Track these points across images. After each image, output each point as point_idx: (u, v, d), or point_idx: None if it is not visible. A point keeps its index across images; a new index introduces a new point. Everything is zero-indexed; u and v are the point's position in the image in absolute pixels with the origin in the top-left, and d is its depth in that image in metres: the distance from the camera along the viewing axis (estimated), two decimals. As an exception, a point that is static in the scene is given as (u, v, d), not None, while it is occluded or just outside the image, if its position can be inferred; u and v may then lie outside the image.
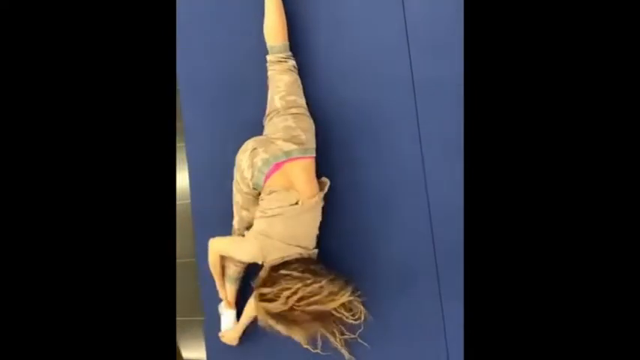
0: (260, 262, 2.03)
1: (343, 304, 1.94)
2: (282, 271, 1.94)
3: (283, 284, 1.91)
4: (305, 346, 2.07)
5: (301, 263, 1.98)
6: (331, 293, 1.92)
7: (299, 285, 1.90)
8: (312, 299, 1.90)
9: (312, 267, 1.97)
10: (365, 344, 2.08)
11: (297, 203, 2.00)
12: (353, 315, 1.97)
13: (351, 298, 1.93)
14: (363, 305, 1.99)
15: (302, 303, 1.90)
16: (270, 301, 1.92)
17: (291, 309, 1.91)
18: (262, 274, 1.99)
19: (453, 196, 1.99)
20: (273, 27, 2.14)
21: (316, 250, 2.09)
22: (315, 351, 2.08)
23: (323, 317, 1.96)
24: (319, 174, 2.13)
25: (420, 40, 2.06)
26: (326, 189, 2.09)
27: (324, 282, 1.91)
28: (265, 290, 1.94)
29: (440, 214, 2.04)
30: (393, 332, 2.11)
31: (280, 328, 1.97)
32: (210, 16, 2.39)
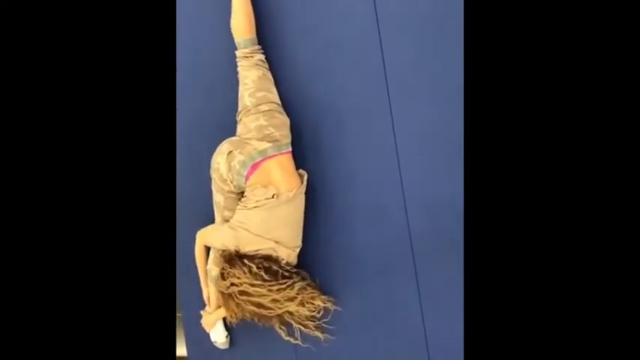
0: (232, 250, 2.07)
1: (301, 301, 2.03)
2: (245, 260, 2.01)
3: (236, 272, 1.99)
4: (285, 338, 2.12)
5: (267, 261, 2.03)
6: (274, 301, 2.00)
7: (246, 281, 1.98)
8: (252, 299, 1.99)
9: (275, 268, 2.03)
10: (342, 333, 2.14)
11: (273, 196, 2.04)
12: (311, 311, 2.06)
13: (297, 308, 2.02)
14: (330, 300, 2.09)
15: (242, 297, 2.00)
16: (222, 276, 2.03)
17: (230, 296, 2.02)
18: (227, 252, 2.06)
19: (428, 187, 2.02)
20: (238, 22, 2.13)
21: (297, 250, 2.11)
22: (295, 342, 2.12)
23: (260, 316, 2.05)
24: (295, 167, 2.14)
25: (392, 29, 2.05)
26: (304, 181, 2.11)
27: (274, 288, 1.99)
28: (223, 265, 2.04)
29: (415, 205, 2.06)
30: (372, 321, 2.14)
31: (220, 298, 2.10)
32: (202, 12, 2.35)
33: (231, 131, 2.15)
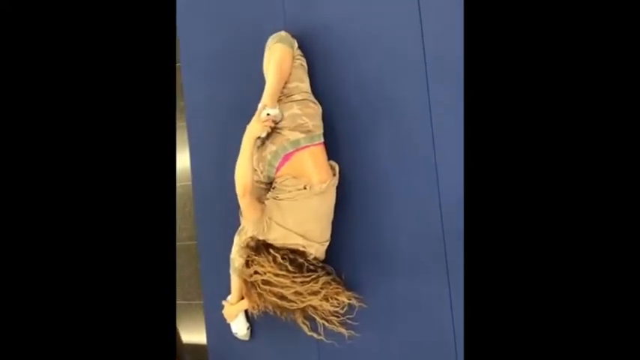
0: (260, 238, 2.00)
1: (324, 296, 1.95)
2: (271, 250, 1.94)
3: (260, 260, 1.93)
4: (309, 334, 2.04)
5: (292, 253, 1.95)
6: (297, 293, 1.92)
7: (270, 270, 1.91)
8: (275, 289, 1.92)
9: (301, 260, 1.95)
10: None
11: (305, 188, 1.96)
12: (335, 306, 1.98)
13: (320, 303, 1.94)
14: (354, 297, 2.00)
15: (265, 287, 1.92)
16: (247, 264, 1.97)
17: (253, 285, 1.95)
18: (252, 241, 1.99)
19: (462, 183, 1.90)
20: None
21: (325, 244, 2.04)
22: (319, 338, 2.04)
23: (282, 308, 1.97)
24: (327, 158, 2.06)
25: (433, 18, 1.94)
26: (337, 174, 2.04)
27: (297, 280, 1.91)
28: (247, 251, 1.98)
29: (450, 202, 1.94)
30: (399, 319, 2.05)
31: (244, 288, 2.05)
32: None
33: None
